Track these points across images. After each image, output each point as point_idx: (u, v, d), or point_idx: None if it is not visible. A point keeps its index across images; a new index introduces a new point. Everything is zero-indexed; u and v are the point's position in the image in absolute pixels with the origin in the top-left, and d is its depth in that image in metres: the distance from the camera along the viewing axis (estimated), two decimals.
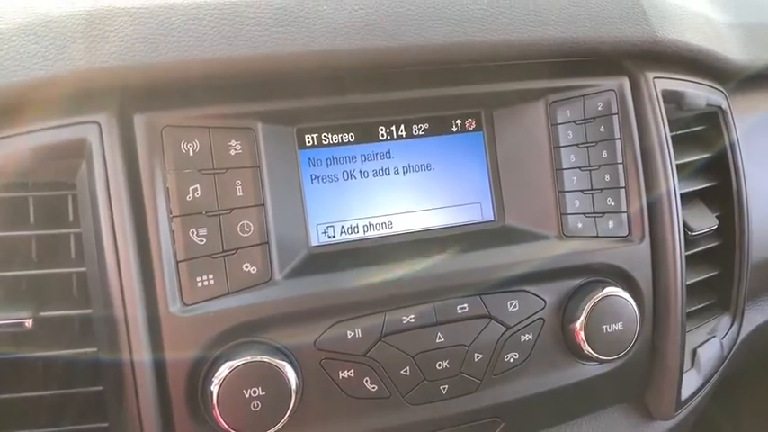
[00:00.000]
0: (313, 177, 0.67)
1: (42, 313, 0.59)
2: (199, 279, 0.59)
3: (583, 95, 0.71)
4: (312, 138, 0.67)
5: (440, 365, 0.65)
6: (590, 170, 0.71)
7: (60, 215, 0.61)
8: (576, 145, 0.71)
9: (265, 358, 0.59)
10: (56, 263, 0.61)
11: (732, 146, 0.83)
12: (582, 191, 0.71)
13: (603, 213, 0.71)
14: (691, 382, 0.79)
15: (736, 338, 0.86)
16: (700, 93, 0.79)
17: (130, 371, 0.57)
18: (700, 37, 0.77)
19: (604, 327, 0.68)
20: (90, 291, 0.59)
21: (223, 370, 0.58)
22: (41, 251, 0.62)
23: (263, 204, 0.61)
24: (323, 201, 0.67)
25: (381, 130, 0.69)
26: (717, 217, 0.82)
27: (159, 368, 0.58)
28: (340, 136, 0.68)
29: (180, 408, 0.59)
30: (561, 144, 0.71)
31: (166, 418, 0.59)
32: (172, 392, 0.59)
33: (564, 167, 0.71)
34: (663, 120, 0.73)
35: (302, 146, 0.66)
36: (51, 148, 0.57)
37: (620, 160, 0.71)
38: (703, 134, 0.84)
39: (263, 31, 0.59)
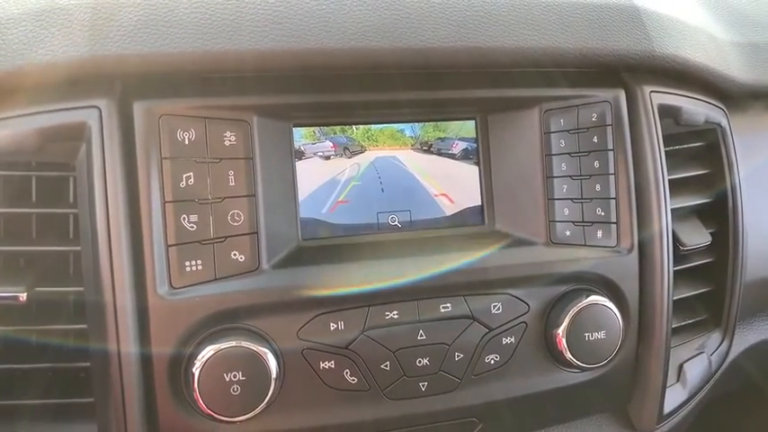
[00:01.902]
0: (305, 172, 0.68)
1: (37, 288, 0.61)
2: (187, 264, 0.61)
3: (578, 105, 0.71)
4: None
5: (420, 362, 0.66)
6: (581, 179, 0.72)
7: (61, 196, 0.64)
8: (569, 154, 0.72)
9: (248, 344, 0.60)
10: (53, 241, 0.63)
11: (730, 163, 0.83)
12: (572, 199, 0.72)
13: (592, 222, 0.72)
14: (675, 397, 0.79)
15: (726, 356, 0.86)
16: (698, 109, 0.79)
17: (116, 349, 0.59)
18: (700, 53, 0.78)
19: (586, 334, 0.69)
20: (83, 270, 0.61)
21: (206, 353, 0.60)
22: (41, 229, 0.64)
23: (255, 195, 0.63)
24: (314, 196, 0.69)
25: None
26: (711, 233, 0.83)
27: (144, 348, 0.60)
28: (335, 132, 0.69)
29: (162, 388, 0.61)
30: (553, 152, 0.72)
31: (149, 398, 0.61)
32: (155, 373, 0.60)
33: (555, 175, 0.72)
34: (657, 133, 0.73)
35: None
36: (53, 130, 0.60)
37: (611, 171, 0.72)
38: (701, 150, 0.84)
39: (264, 26, 0.61)
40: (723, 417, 1.08)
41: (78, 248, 0.61)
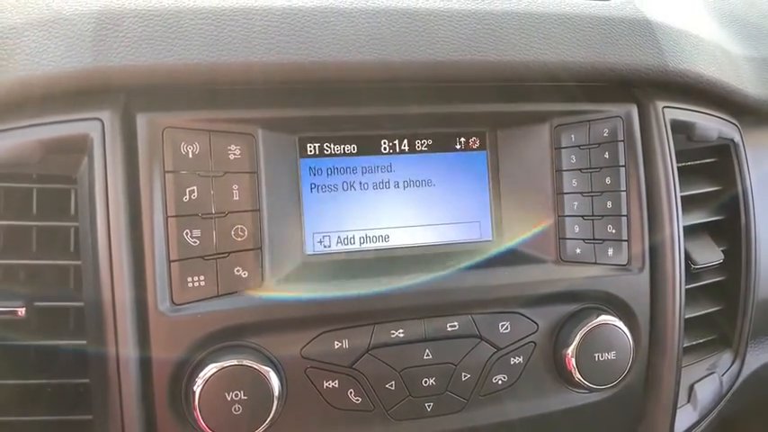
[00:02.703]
0: (312, 186, 0.67)
1: (36, 303, 0.60)
2: (190, 280, 0.60)
3: (589, 120, 0.70)
4: (314, 147, 0.67)
5: (426, 382, 0.65)
6: (592, 196, 0.70)
7: (62, 209, 0.63)
8: (579, 170, 0.70)
9: (250, 363, 0.59)
10: (54, 255, 0.62)
11: (743, 180, 0.82)
12: (582, 216, 0.70)
13: (603, 240, 0.70)
14: (685, 418, 0.77)
15: (737, 377, 0.84)
16: (711, 124, 0.78)
17: (115, 366, 0.58)
18: (713, 68, 0.76)
19: (596, 355, 0.68)
20: (83, 284, 0.60)
21: (207, 371, 0.58)
22: (41, 242, 0.63)
23: (259, 210, 0.62)
24: (321, 210, 0.67)
25: (384, 143, 0.69)
26: (723, 251, 0.81)
27: (144, 365, 0.59)
28: (342, 147, 0.68)
29: (163, 406, 0.59)
30: (564, 168, 0.70)
31: (149, 416, 0.60)
32: (155, 391, 0.59)
33: (565, 191, 0.70)
34: (670, 149, 0.72)
35: (304, 154, 0.67)
36: (55, 142, 0.59)
37: (623, 188, 0.70)
38: (714, 167, 0.82)
39: (271, 38, 0.59)
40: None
41: (79, 262, 0.60)
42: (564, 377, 0.69)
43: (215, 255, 0.60)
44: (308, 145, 0.67)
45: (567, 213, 0.70)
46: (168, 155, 0.59)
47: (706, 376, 0.81)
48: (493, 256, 0.70)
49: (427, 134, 0.70)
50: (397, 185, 0.70)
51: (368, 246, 0.68)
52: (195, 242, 0.60)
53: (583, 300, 0.70)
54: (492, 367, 0.67)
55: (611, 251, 0.70)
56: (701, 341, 0.82)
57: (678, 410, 0.76)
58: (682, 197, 0.73)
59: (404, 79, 0.64)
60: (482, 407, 0.67)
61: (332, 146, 0.68)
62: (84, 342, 0.60)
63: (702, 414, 0.79)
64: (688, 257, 0.77)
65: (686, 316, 0.77)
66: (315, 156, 0.67)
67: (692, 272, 0.77)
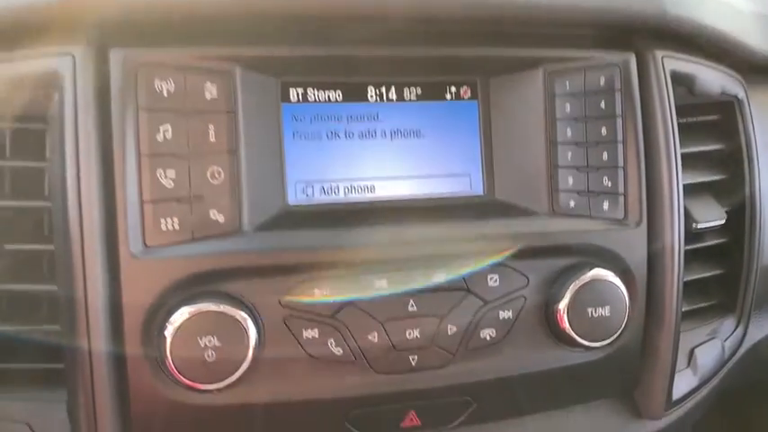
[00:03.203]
0: (295, 133, 0.65)
1: (7, 246, 0.58)
2: (163, 222, 0.57)
3: (584, 67, 0.67)
4: (297, 92, 0.65)
5: (410, 334, 0.62)
6: (587, 147, 0.67)
7: (36, 150, 0.60)
8: (574, 119, 0.67)
9: (225, 308, 0.57)
10: (26, 197, 0.60)
11: (748, 139, 0.79)
12: (577, 167, 0.67)
13: (599, 193, 0.68)
14: (685, 382, 0.74)
15: (740, 343, 0.81)
16: (714, 78, 0.75)
17: (84, 311, 0.56)
18: (717, 19, 0.73)
19: (590, 310, 0.65)
20: (53, 226, 0.58)
21: (179, 316, 0.56)
22: (16, 185, 0.61)
23: (236, 152, 0.60)
24: (304, 158, 0.65)
25: (371, 90, 0.67)
26: (726, 213, 0.78)
27: (115, 310, 0.57)
28: (327, 93, 0.66)
29: (134, 353, 0.57)
30: (558, 116, 0.67)
31: (119, 363, 0.57)
32: (126, 337, 0.57)
33: (559, 141, 0.67)
34: (670, 101, 0.69)
35: (286, 100, 0.64)
36: (25, 79, 0.57)
37: (619, 138, 0.67)
38: (717, 124, 0.79)
39: None
40: (737, 410, 1.03)
41: (48, 204, 0.58)
42: (556, 334, 0.66)
43: (190, 197, 0.58)
44: (291, 90, 0.65)
45: (560, 164, 0.67)
46: (142, 92, 0.57)
47: (707, 341, 0.77)
48: (483, 208, 0.67)
49: (416, 82, 0.67)
50: (384, 135, 0.67)
51: (353, 197, 0.66)
52: (169, 183, 0.58)
53: (576, 254, 0.67)
54: (480, 321, 0.64)
55: (606, 204, 0.68)
56: (703, 306, 0.79)
57: (677, 375, 0.73)
58: (683, 155, 0.70)
59: (393, 17, 0.61)
60: (469, 362, 0.64)
61: (316, 92, 0.65)
62: (55, 287, 0.58)
63: (703, 379, 0.76)
64: (688, 216, 0.74)
65: (687, 278, 0.74)
66: (298, 102, 0.65)
67: (692, 231, 0.74)
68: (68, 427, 0.59)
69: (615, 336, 0.66)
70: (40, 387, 0.61)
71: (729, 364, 0.81)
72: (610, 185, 0.67)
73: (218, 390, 0.58)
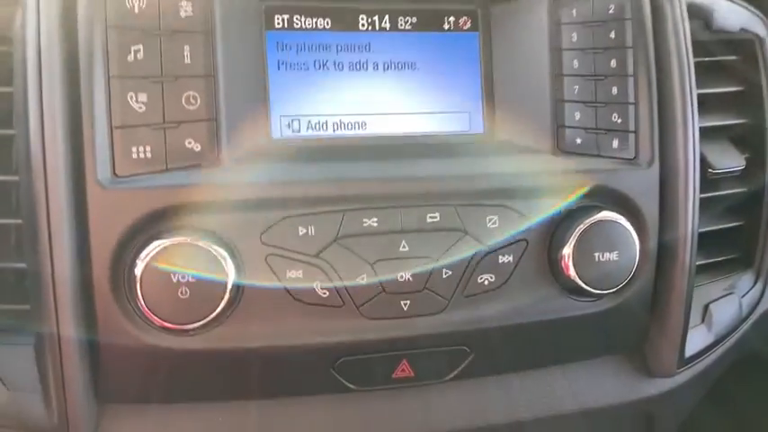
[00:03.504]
0: (280, 63, 0.60)
1: None
2: (134, 150, 0.53)
3: None
4: (282, 19, 0.60)
5: (402, 277, 0.58)
6: (595, 80, 0.62)
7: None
8: (582, 49, 0.62)
9: (200, 242, 0.53)
10: None
11: None
12: (584, 102, 0.62)
13: (607, 131, 0.63)
14: (698, 339, 0.69)
15: (759, 301, 0.76)
16: (733, 14, 0.70)
17: (47, 245, 0.52)
18: None
19: (597, 254, 0.60)
20: (16, 155, 0.54)
21: (151, 249, 0.52)
22: None
23: (214, 76, 0.55)
24: (289, 91, 0.61)
25: (362, 18, 0.62)
26: (746, 160, 0.73)
27: (81, 246, 0.53)
28: (314, 20, 0.61)
29: (102, 292, 0.53)
30: (564, 47, 0.62)
31: (87, 304, 0.53)
32: (95, 275, 0.53)
33: (565, 74, 0.62)
34: (685, 33, 0.64)
35: (270, 27, 0.60)
36: None
37: (630, 72, 0.62)
38: (736, 65, 0.74)
39: None
40: (753, 379, 0.97)
41: (12, 132, 0.54)
42: (560, 281, 0.61)
43: (163, 123, 0.54)
44: (276, 16, 0.60)
45: (566, 98, 0.62)
46: (111, 8, 0.53)
47: (723, 296, 0.72)
48: (483, 145, 0.63)
49: (411, 10, 0.63)
50: (376, 67, 0.62)
51: (342, 133, 0.62)
52: (141, 108, 0.53)
53: (583, 195, 0.62)
54: (477, 265, 0.59)
55: (615, 142, 0.63)
56: (719, 259, 0.74)
57: (690, 330, 0.68)
58: (699, 96, 0.65)
59: None
60: (465, 309, 0.59)
61: (303, 18, 0.61)
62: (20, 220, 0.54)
63: (718, 337, 0.71)
64: (704, 161, 0.69)
65: (703, 230, 0.69)
66: (283, 29, 0.60)
67: (708, 178, 0.69)
68: (36, 372, 0.55)
69: (623, 284, 0.61)
70: (8, 329, 0.57)
71: (747, 324, 0.76)
72: (619, 122, 0.62)
73: (194, 331, 0.54)
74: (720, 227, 0.73)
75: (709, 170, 0.69)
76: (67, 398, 0.54)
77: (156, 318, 0.52)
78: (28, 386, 0.55)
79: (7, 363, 0.56)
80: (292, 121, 0.61)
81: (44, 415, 0.55)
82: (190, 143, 0.55)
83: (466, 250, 0.59)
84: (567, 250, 0.60)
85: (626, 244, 0.61)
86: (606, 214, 0.61)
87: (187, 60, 0.54)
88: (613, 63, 0.62)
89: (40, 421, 0.55)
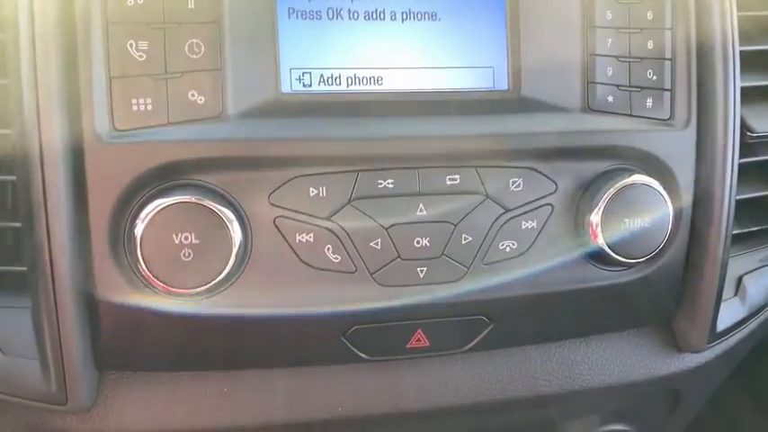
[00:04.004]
0: (291, 11, 0.56)
1: None
2: (135, 102, 0.50)
3: None
4: None
5: (419, 243, 0.54)
6: (629, 32, 0.58)
7: None
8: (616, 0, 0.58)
9: (204, 201, 0.49)
10: None
11: None
12: (617, 57, 0.58)
13: (642, 88, 0.58)
14: (731, 313, 0.66)
15: None
16: None
17: (42, 203, 0.49)
18: None
19: (627, 221, 0.56)
20: (10, 107, 0.50)
21: (152, 208, 0.49)
22: None
23: (219, 23, 0.51)
24: (300, 41, 0.56)
25: None
26: None
27: (78, 204, 0.49)
28: None
29: (101, 252, 0.50)
30: None
31: (85, 265, 0.50)
32: (93, 233, 0.50)
33: (598, 25, 0.58)
34: None
35: None
36: None
37: (668, 25, 0.58)
38: None
39: None
40: None
41: (4, 81, 0.50)
42: (587, 248, 0.58)
43: (165, 74, 0.50)
44: None
45: (598, 52, 0.58)
46: None
47: (758, 268, 0.69)
48: (507, 103, 0.59)
49: None
50: (393, 17, 0.58)
51: (356, 88, 0.58)
52: (141, 56, 0.50)
53: (613, 157, 0.58)
54: (499, 231, 0.56)
55: (650, 102, 0.59)
56: (755, 229, 0.70)
57: (723, 304, 0.64)
58: (742, 53, 0.61)
59: None
60: (485, 277, 0.56)
61: None
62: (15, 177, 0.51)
63: (752, 310, 0.67)
64: (744, 124, 0.64)
65: (739, 197, 0.65)
66: None
67: (748, 142, 0.65)
68: (33, 337, 0.53)
69: (655, 252, 0.58)
70: (5, 292, 0.55)
71: None
72: (655, 79, 0.58)
73: (197, 295, 0.51)
74: (758, 194, 0.69)
75: (748, 133, 0.65)
76: (65, 364, 0.52)
77: (157, 281, 0.49)
78: (26, 352, 0.53)
79: (5, 327, 0.54)
80: (303, 74, 0.57)
81: (42, 382, 0.53)
82: (193, 95, 0.51)
83: (487, 215, 0.56)
84: (596, 216, 0.56)
85: (658, 210, 0.57)
86: (638, 178, 0.57)
87: (191, 5, 0.51)
88: (650, 15, 0.58)
89: (37, 388, 0.53)
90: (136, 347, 0.54)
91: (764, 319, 0.71)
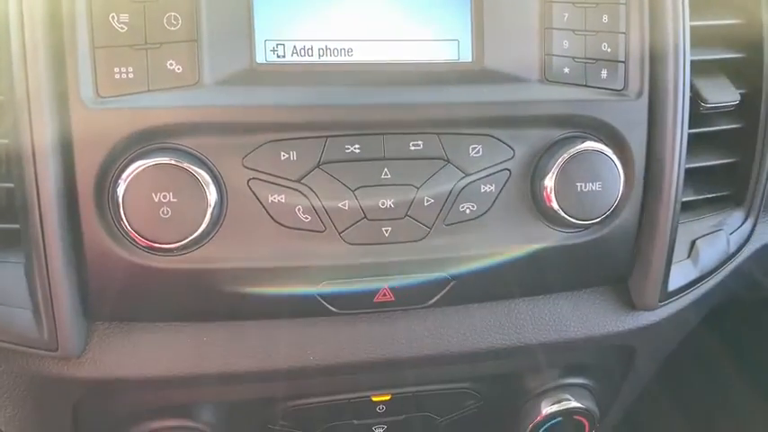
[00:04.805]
0: None
1: None
2: (117, 70, 0.54)
3: None
4: None
5: (383, 204, 0.58)
6: (585, 7, 0.61)
7: None
8: None
9: (181, 163, 0.53)
10: None
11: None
12: (573, 30, 0.62)
13: (596, 60, 0.62)
14: (682, 274, 0.70)
15: (747, 239, 0.76)
16: None
17: (32, 164, 0.52)
18: None
19: (579, 184, 0.60)
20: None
21: (134, 168, 0.53)
22: None
23: None
24: (274, 14, 0.60)
25: None
26: (742, 95, 0.72)
27: (66, 166, 0.54)
28: None
29: (88, 210, 0.54)
30: None
31: (73, 223, 0.55)
32: (79, 194, 0.54)
33: (555, 1, 0.61)
34: None
35: None
36: None
37: (622, 0, 0.61)
38: None
39: None
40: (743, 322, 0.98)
41: None
42: (542, 211, 0.62)
43: (145, 44, 0.54)
44: None
45: (555, 26, 0.62)
46: None
47: (711, 233, 0.72)
48: (469, 74, 0.62)
49: None
50: None
51: (328, 59, 0.61)
52: (122, 28, 0.54)
53: (568, 126, 0.62)
54: (459, 194, 0.60)
55: (604, 73, 0.62)
56: (709, 196, 0.74)
57: (676, 265, 0.68)
58: (694, 28, 0.64)
59: None
60: (447, 236, 0.60)
61: None
62: (6, 141, 0.55)
63: (703, 272, 0.71)
64: (697, 95, 0.68)
65: (695, 165, 0.69)
66: None
67: (701, 112, 0.68)
68: (26, 289, 0.57)
69: (606, 214, 0.62)
70: (1, 249, 0.59)
71: (734, 262, 0.76)
72: (609, 51, 0.62)
73: (176, 251, 0.55)
74: (712, 163, 0.72)
75: (702, 104, 0.68)
76: (56, 315, 0.56)
77: (138, 237, 0.54)
78: (20, 302, 0.57)
79: (0, 280, 0.58)
80: (277, 45, 0.60)
81: (35, 330, 0.57)
82: (171, 64, 0.55)
83: (448, 179, 0.60)
84: (550, 180, 0.60)
85: (609, 175, 0.61)
86: (590, 144, 0.60)
87: None
88: None
89: (31, 336, 0.57)
90: (122, 299, 0.58)
91: (718, 283, 0.75)
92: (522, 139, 0.61)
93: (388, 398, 0.71)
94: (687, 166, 0.65)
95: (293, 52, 0.60)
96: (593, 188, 0.60)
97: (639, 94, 0.62)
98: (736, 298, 0.82)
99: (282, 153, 0.57)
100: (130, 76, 0.54)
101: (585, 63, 0.62)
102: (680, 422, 1.12)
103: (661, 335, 0.74)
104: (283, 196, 0.57)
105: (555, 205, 0.60)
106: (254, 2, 0.59)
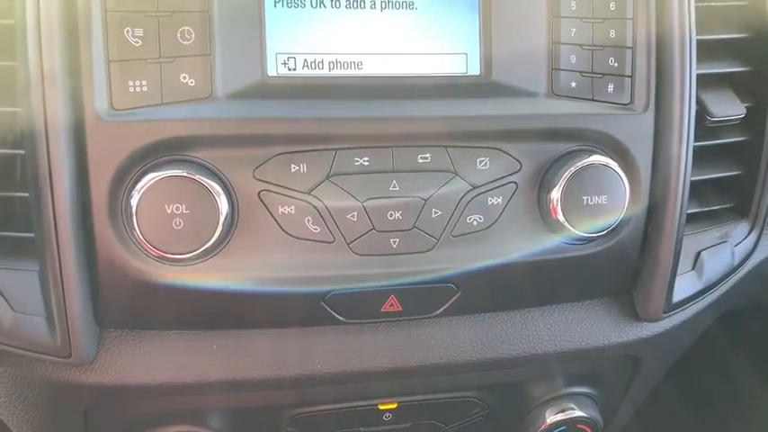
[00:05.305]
0: (276, 0, 0.61)
1: None
2: (131, 84, 0.55)
3: None
4: None
5: (392, 216, 0.59)
6: (593, 22, 0.62)
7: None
8: None
9: (193, 175, 0.54)
10: None
11: None
12: (581, 45, 0.62)
13: (603, 74, 0.63)
14: (687, 285, 0.70)
15: (752, 251, 0.76)
16: None
17: (47, 175, 0.54)
18: None
19: (585, 198, 0.61)
20: (17, 85, 0.55)
21: (147, 180, 0.54)
22: None
23: (208, 12, 0.56)
24: (285, 28, 0.61)
25: None
26: (748, 108, 0.72)
27: (80, 177, 0.55)
28: None
29: (101, 222, 0.55)
30: None
31: (87, 233, 0.56)
32: (93, 205, 0.55)
33: (563, 15, 0.62)
34: None
35: None
36: None
37: (629, 15, 0.62)
38: (742, 11, 0.73)
39: None
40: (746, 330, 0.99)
41: (13, 64, 0.55)
42: (548, 223, 0.63)
43: (159, 58, 0.55)
44: None
45: (563, 41, 0.62)
46: None
47: (716, 245, 0.73)
48: (477, 88, 0.63)
49: None
50: (373, 5, 0.62)
51: (338, 72, 0.62)
52: (137, 42, 0.55)
53: (575, 139, 0.63)
54: (466, 206, 0.61)
55: (611, 87, 0.63)
56: (715, 208, 0.74)
57: (680, 277, 0.69)
58: (700, 42, 0.65)
59: None
60: (454, 248, 0.61)
61: None
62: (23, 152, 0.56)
63: (708, 284, 0.71)
64: (703, 109, 0.69)
65: (700, 177, 0.69)
66: None
67: (707, 125, 0.69)
68: (40, 296, 0.58)
69: (612, 227, 0.62)
70: (15, 256, 0.60)
71: (739, 274, 0.76)
72: (616, 66, 0.62)
73: (188, 261, 0.56)
74: (718, 175, 0.73)
75: (708, 118, 0.69)
76: (69, 322, 0.57)
77: (151, 247, 0.54)
78: (34, 309, 0.58)
79: (15, 287, 0.59)
80: (288, 58, 0.61)
81: (48, 337, 0.58)
82: (184, 78, 0.56)
83: (455, 191, 0.60)
84: (556, 193, 0.61)
85: (615, 188, 0.62)
86: (596, 158, 0.61)
87: None
88: (612, 6, 0.62)
89: (44, 343, 0.58)
90: (133, 307, 0.59)
91: (723, 294, 0.75)
92: (528, 153, 0.62)
93: (394, 406, 0.72)
94: (692, 178, 0.66)
95: (304, 65, 0.61)
96: (600, 201, 0.61)
97: (646, 108, 0.63)
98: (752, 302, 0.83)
99: (293, 165, 0.58)
100: (144, 89, 0.55)
101: (592, 77, 0.62)
102: (692, 423, 1.12)
103: (665, 345, 0.74)
104: (293, 208, 0.58)
105: (561, 218, 0.61)
106: (266, 16, 0.60)
